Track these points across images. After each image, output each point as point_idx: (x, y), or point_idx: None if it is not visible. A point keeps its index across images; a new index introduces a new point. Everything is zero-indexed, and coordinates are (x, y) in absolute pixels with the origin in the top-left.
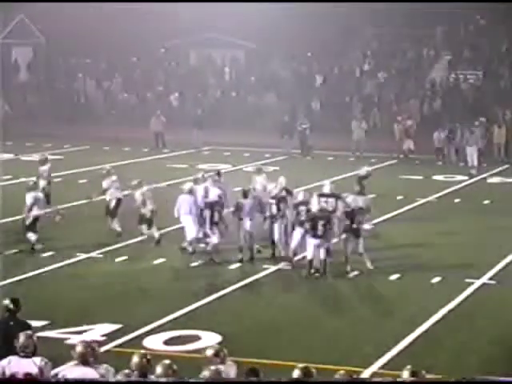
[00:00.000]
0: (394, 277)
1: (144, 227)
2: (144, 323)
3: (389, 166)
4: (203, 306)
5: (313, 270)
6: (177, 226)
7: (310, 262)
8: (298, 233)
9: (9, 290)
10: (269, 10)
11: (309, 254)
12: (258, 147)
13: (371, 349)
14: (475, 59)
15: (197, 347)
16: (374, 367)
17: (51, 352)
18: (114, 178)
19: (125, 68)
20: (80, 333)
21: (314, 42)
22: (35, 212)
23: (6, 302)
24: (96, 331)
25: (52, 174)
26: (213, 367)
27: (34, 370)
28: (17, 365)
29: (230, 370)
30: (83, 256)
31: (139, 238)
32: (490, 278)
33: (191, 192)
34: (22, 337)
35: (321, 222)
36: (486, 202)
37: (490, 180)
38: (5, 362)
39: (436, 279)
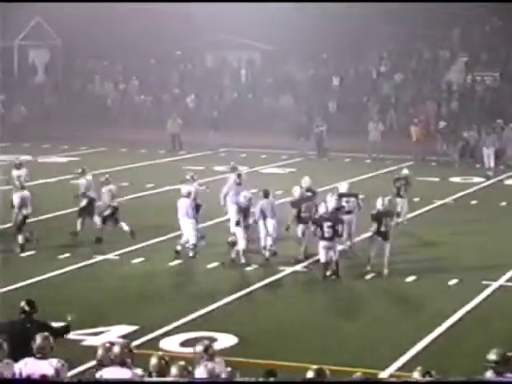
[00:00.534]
0: (410, 279)
1: (98, 219)
2: (160, 325)
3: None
4: (219, 308)
5: (329, 273)
6: None
7: (324, 264)
8: (299, 230)
9: (25, 292)
10: (285, 12)
11: (321, 256)
12: (275, 149)
13: (387, 351)
14: (492, 60)
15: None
16: (391, 369)
17: (68, 353)
18: (88, 177)
19: (141, 70)
20: (97, 334)
21: (330, 44)
22: (24, 211)
23: (22, 303)
24: (113, 333)
25: (62, 177)
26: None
27: (50, 372)
28: (33, 366)
29: (219, 367)
30: (100, 257)
31: (155, 240)
32: (508, 280)
33: (189, 195)
34: (38, 338)
35: (327, 224)
36: (503, 203)
37: (506, 182)
38: (21, 363)
39: (453, 281)
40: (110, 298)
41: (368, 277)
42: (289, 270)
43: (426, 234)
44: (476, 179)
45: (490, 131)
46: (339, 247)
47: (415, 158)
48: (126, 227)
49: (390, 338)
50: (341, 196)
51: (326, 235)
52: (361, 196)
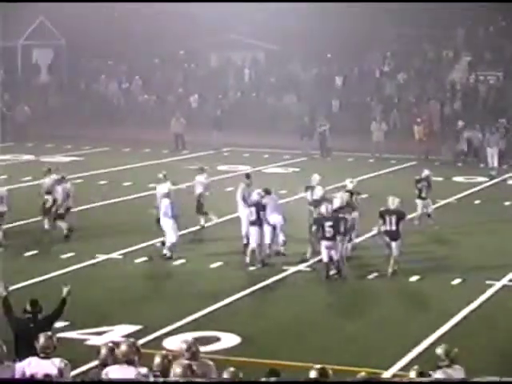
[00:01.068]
0: (414, 278)
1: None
2: (163, 324)
3: (408, 168)
4: (222, 308)
5: (332, 272)
6: (194, 228)
7: (327, 264)
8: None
9: (29, 291)
10: (289, 12)
11: (323, 256)
12: (278, 148)
13: (391, 350)
14: (495, 60)
15: (216, 348)
16: (394, 369)
17: (71, 353)
18: (53, 176)
19: (145, 70)
20: (100, 334)
21: (333, 43)
22: (0, 208)
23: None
24: (116, 332)
25: (72, 175)
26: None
27: (54, 371)
28: (36, 366)
29: (200, 367)
30: (103, 257)
31: (159, 239)
32: (511, 280)
33: (168, 195)
34: (41, 338)
35: (328, 224)
36: (507, 203)
37: (510, 181)
38: (25, 362)
39: (456, 281)
40: (113, 297)
41: (371, 276)
42: (292, 269)
43: (429, 233)
44: (479, 179)
45: (494, 131)
46: (348, 245)
47: (418, 158)
48: (65, 230)
49: (394, 337)
50: (349, 193)
51: (327, 235)
52: (364, 195)
